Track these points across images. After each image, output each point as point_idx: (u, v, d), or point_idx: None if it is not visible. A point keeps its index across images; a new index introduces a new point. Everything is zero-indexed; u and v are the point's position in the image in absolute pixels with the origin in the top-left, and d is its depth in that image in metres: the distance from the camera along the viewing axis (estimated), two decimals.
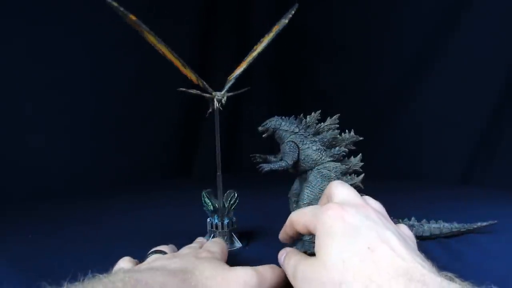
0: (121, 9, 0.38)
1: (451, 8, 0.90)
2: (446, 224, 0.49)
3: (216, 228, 0.49)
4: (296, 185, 0.49)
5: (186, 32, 1.09)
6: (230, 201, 0.50)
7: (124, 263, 0.36)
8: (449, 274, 0.25)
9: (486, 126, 0.88)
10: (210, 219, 0.50)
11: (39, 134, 0.89)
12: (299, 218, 0.34)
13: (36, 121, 0.89)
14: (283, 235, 0.38)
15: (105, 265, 0.32)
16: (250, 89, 0.48)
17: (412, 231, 0.47)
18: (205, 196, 0.50)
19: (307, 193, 0.45)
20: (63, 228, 0.62)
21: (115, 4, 0.37)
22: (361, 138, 0.47)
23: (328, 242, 0.28)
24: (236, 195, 0.51)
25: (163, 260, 0.32)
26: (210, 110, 0.46)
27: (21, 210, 0.75)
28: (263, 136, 0.48)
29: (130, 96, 1.02)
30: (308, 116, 0.47)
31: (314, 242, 0.30)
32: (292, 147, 0.46)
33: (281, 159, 0.47)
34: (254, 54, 0.48)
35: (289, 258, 0.33)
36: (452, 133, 0.91)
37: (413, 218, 0.49)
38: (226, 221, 0.49)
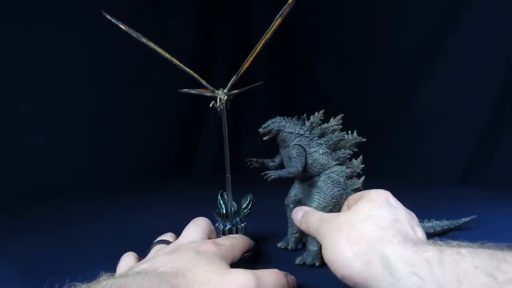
0: (113, 20, 0.38)
1: (451, 7, 0.90)
2: (437, 222, 0.49)
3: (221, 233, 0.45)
4: (294, 191, 0.46)
5: (186, 31, 1.09)
6: (242, 205, 0.47)
7: (128, 258, 0.36)
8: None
9: (486, 126, 0.87)
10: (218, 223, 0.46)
11: (39, 134, 0.89)
12: (353, 196, 0.38)
13: (36, 121, 0.89)
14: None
15: (105, 265, 0.32)
16: (259, 85, 0.46)
17: None
18: (220, 198, 0.47)
19: (318, 199, 0.42)
20: (63, 228, 0.62)
21: (108, 16, 0.40)
22: (364, 140, 0.45)
23: (364, 203, 0.33)
24: (249, 199, 0.47)
25: (160, 257, 0.30)
26: (212, 106, 0.43)
27: (21, 210, 0.75)
28: (264, 139, 0.44)
29: (130, 96, 1.02)
30: (311, 117, 0.44)
31: (321, 254, 0.33)
32: (300, 151, 0.43)
33: (280, 163, 0.44)
34: (259, 48, 0.42)
35: (309, 215, 0.36)
36: (452, 133, 0.91)
37: None
38: (228, 226, 0.45)
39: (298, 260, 0.43)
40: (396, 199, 0.34)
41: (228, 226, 0.45)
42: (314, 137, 0.44)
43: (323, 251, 0.31)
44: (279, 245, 0.48)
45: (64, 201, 0.81)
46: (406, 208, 0.34)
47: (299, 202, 0.45)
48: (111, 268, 0.34)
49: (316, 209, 0.40)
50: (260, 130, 0.44)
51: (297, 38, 1.12)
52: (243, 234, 0.45)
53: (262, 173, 0.42)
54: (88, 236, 0.57)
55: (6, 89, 0.85)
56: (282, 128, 0.43)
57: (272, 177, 0.41)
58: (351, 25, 1.06)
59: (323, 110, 0.45)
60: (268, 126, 0.44)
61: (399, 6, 0.98)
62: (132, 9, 0.94)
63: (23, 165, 0.87)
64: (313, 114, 0.45)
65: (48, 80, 0.90)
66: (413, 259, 0.25)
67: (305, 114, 0.45)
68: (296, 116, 0.45)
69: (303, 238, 0.47)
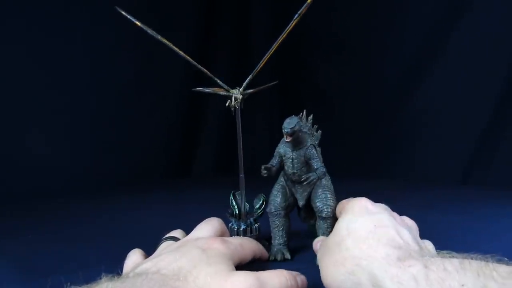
0: (128, 16, 0.38)
1: (452, 7, 0.90)
2: None
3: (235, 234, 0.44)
4: (285, 197, 0.44)
5: (186, 31, 1.09)
6: (255, 205, 0.46)
7: (134, 256, 0.36)
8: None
9: (487, 126, 0.87)
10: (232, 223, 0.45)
11: (39, 134, 0.89)
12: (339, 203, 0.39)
13: (36, 121, 0.89)
14: None
15: (105, 265, 0.32)
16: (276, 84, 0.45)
17: None
18: (232, 198, 0.46)
19: (331, 197, 0.41)
20: (63, 228, 0.62)
21: (123, 12, 0.39)
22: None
23: (343, 217, 0.33)
24: (262, 199, 0.46)
25: (164, 256, 0.30)
26: (228, 105, 0.43)
27: (21, 210, 0.75)
28: (288, 140, 0.40)
29: (130, 96, 1.02)
30: (309, 117, 0.44)
31: None
32: (317, 151, 0.42)
33: (279, 165, 0.42)
34: (275, 47, 0.43)
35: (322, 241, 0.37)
36: (452, 132, 0.91)
37: None
38: (243, 226, 0.44)
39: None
40: (376, 205, 0.34)
41: (243, 227, 0.44)
42: (313, 136, 0.44)
43: (320, 275, 0.31)
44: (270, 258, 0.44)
45: (64, 201, 0.81)
46: (390, 211, 0.34)
47: (289, 207, 0.44)
48: (111, 268, 0.34)
49: (332, 208, 0.41)
50: (288, 130, 0.39)
51: (297, 37, 1.12)
52: (257, 234, 0.44)
53: (303, 179, 0.41)
54: (88, 236, 0.57)
55: (6, 89, 0.85)
56: (301, 128, 0.41)
57: (314, 180, 0.41)
58: (352, 25, 1.06)
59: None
60: (294, 126, 0.40)
61: (400, 6, 0.98)
62: (131, 9, 0.93)
63: (23, 165, 0.87)
64: (314, 113, 0.44)
65: (48, 80, 0.90)
66: (399, 275, 0.25)
67: (304, 111, 0.43)
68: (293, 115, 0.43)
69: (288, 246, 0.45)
